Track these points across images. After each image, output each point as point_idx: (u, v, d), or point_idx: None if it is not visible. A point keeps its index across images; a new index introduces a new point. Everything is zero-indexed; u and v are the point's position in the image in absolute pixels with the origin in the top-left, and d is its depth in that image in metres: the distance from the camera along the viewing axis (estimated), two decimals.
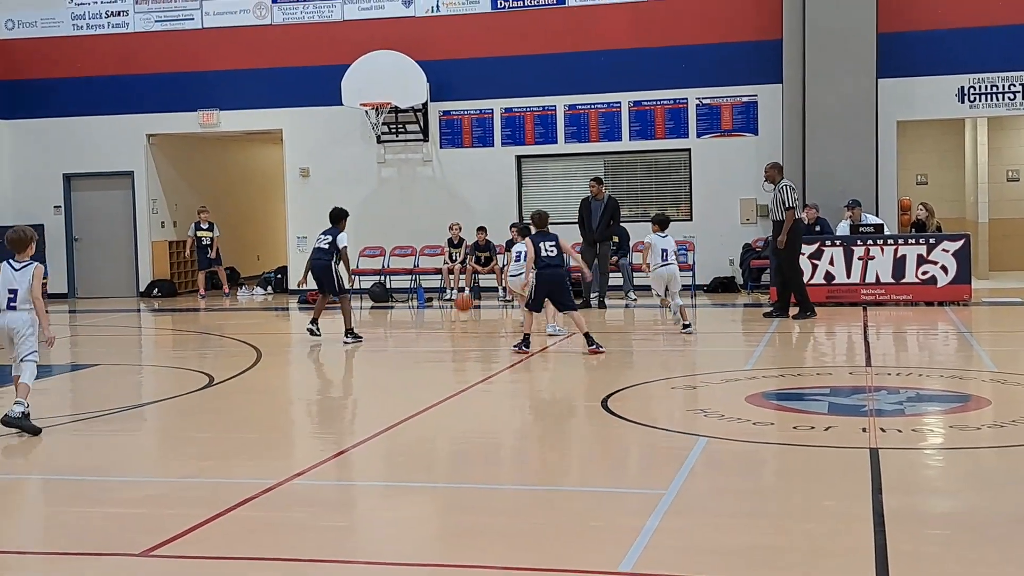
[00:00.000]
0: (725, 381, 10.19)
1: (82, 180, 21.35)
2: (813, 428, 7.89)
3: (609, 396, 9.28)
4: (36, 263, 8.50)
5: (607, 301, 16.92)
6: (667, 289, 13.51)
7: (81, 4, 20.99)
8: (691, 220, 19.11)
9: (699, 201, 19.10)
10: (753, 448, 7.49)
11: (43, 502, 6.77)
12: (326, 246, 13.80)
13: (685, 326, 13.35)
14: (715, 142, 19.03)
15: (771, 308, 15.08)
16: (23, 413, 8.32)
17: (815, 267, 16.17)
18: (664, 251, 13.34)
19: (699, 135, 19.10)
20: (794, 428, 8.00)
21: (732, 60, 18.79)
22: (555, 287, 12.09)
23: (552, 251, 12.02)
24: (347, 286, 13.98)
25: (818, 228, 16.95)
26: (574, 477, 7.21)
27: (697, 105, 19.04)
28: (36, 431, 8.38)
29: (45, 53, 21.15)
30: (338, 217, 13.93)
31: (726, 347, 13.48)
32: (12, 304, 8.38)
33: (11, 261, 8.48)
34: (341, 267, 13.85)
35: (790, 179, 15.08)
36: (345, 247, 13.75)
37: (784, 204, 14.36)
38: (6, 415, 8.37)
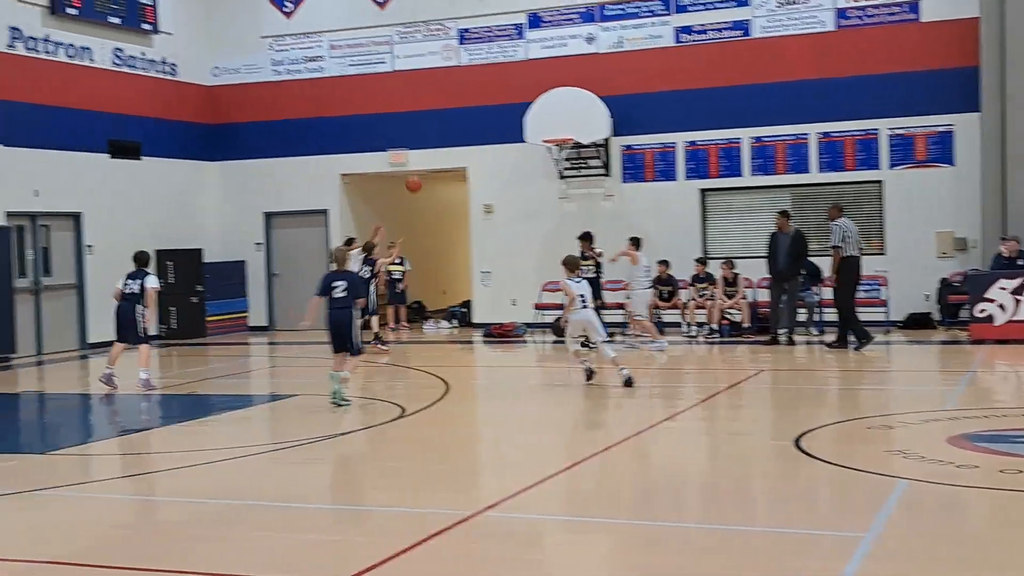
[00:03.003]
0: (924, 421, 9.83)
1: (281, 218, 22.34)
2: (1021, 472, 7.54)
3: (801, 435, 9.09)
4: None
5: (795, 338, 16.53)
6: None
7: (280, 51, 22.03)
8: (884, 254, 18.51)
9: (892, 234, 18.51)
10: (956, 492, 7.20)
11: (250, 527, 7.08)
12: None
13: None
14: (908, 173, 18.43)
15: (833, 341, 15.81)
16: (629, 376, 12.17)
17: (1018, 303, 15.47)
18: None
19: (891, 166, 18.54)
20: (1000, 472, 7.66)
21: (925, 89, 18.20)
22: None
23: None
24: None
25: (1021, 262, 16.21)
26: (765, 517, 7.09)
27: (889, 136, 18.50)
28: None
29: (247, 98, 22.28)
30: (584, 238, 17.40)
31: (924, 385, 12.99)
32: (584, 304, 12.41)
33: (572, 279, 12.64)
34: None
35: (847, 221, 15.78)
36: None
37: (831, 243, 15.59)
38: (628, 377, 12.16)
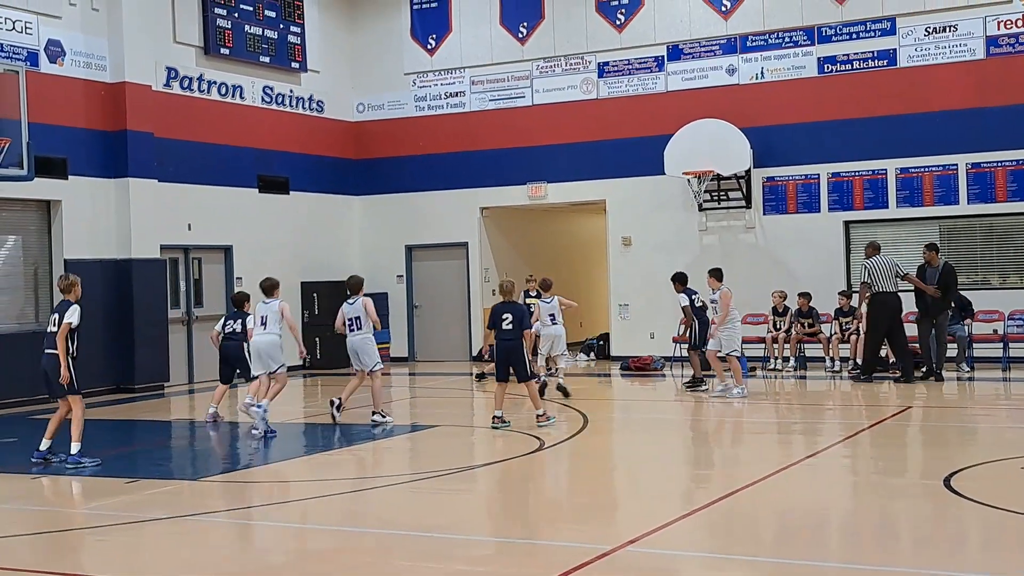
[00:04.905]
0: None
1: (422, 251, 22.75)
2: None
3: (952, 475, 8.81)
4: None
5: (944, 373, 16.02)
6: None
7: (423, 87, 22.54)
8: None
9: None
10: None
11: (394, 556, 7.22)
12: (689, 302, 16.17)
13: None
14: None
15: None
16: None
17: None
18: (350, 320, 13.40)
19: None
20: None
21: None
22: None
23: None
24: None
25: None
26: (912, 558, 6.89)
27: None
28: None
29: (391, 133, 22.82)
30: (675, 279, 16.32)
31: None
32: (555, 322, 14.25)
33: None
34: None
35: (880, 258, 16.22)
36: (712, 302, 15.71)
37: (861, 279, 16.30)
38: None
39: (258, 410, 12.43)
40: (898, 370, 16.27)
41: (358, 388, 13.47)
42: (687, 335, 16.63)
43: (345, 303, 13.35)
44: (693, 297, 16.14)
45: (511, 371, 12.49)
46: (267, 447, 11.98)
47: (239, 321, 13.64)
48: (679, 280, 16.40)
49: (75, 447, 10.78)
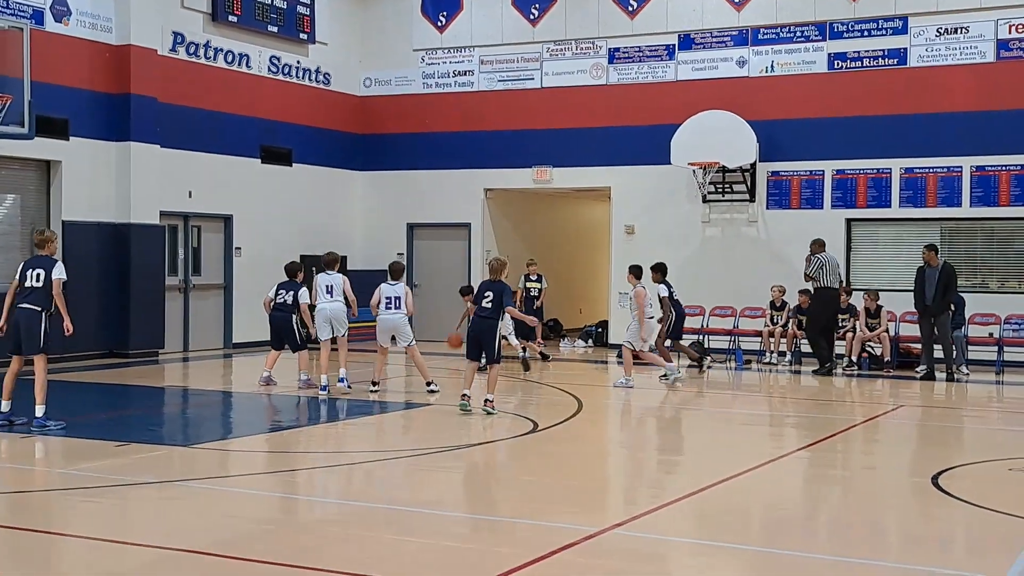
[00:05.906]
0: None
1: (424, 230, 22.69)
2: None
3: (940, 473, 8.82)
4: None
5: (938, 373, 16.03)
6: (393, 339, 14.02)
7: (431, 64, 22.45)
8: None
9: None
10: None
11: (384, 530, 7.23)
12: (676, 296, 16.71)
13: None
14: None
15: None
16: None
17: None
18: (389, 299, 13.66)
19: None
20: None
21: None
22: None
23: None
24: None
25: None
26: (895, 553, 6.91)
27: None
28: None
29: (397, 110, 22.74)
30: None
31: None
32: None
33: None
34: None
35: (828, 255, 17.06)
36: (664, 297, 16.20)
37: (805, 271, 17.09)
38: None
39: (342, 384, 13.48)
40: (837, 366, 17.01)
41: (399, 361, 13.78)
42: (664, 328, 16.55)
43: (385, 283, 13.77)
44: (672, 290, 16.50)
45: (482, 350, 12.09)
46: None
47: (290, 293, 14.04)
48: (658, 271, 16.62)
49: (40, 409, 10.52)
